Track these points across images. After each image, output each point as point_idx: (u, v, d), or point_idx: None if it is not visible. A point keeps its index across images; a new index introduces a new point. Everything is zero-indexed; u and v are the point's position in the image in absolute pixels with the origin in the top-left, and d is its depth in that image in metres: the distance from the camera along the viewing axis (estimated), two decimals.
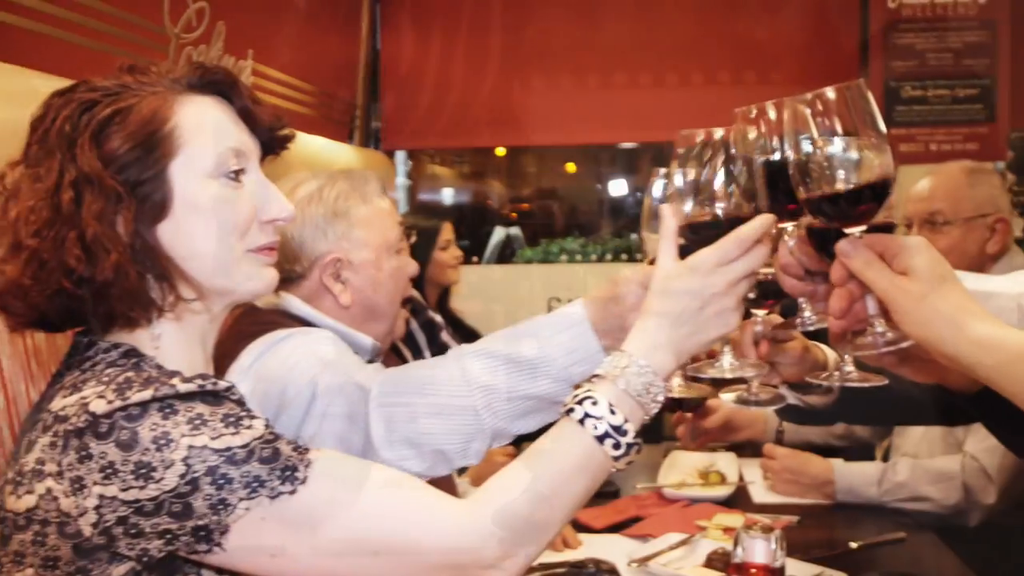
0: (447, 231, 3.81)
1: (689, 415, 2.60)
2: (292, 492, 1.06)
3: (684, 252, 1.23)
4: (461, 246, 3.98)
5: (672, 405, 1.91)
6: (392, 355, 2.65)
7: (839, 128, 1.11)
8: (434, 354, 2.83)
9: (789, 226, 1.26)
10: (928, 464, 2.47)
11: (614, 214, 7.08)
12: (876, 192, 1.12)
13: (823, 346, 1.64)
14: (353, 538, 1.08)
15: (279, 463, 1.07)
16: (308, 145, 3.79)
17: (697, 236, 1.24)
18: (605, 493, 2.51)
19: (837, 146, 1.11)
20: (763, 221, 1.20)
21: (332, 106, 4.60)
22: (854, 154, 1.11)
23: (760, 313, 1.45)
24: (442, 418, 1.39)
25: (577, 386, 1.18)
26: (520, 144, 6.08)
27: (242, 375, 1.61)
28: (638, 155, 7.34)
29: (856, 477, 2.46)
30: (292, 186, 1.80)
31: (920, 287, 1.07)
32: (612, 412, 1.14)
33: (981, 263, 2.60)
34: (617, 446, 1.14)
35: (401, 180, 6.35)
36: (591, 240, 5.83)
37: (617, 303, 1.36)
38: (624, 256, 5.53)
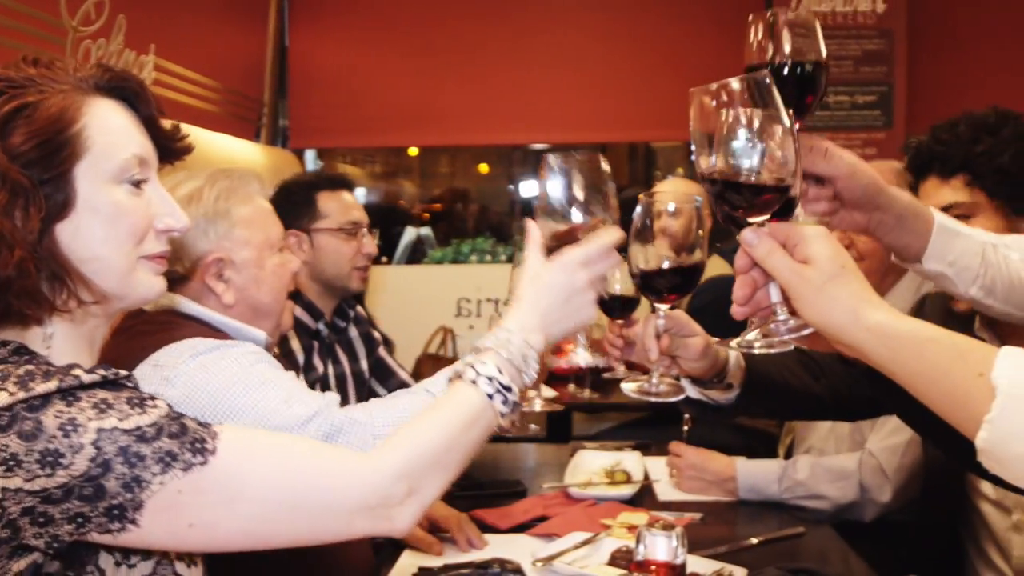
0: None
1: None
2: (204, 463, 1.09)
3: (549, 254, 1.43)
4: None
5: None
6: (329, 358, 2.64)
7: (743, 119, 1.12)
8: (371, 366, 2.82)
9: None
10: (827, 463, 2.52)
11: (526, 215, 7.10)
12: (778, 183, 1.13)
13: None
14: (269, 498, 1.13)
15: (188, 436, 1.10)
16: (213, 143, 3.72)
17: (559, 244, 1.43)
18: (512, 493, 2.52)
19: (740, 137, 1.13)
20: (617, 232, 1.42)
21: (238, 103, 4.53)
22: (756, 144, 1.13)
23: (663, 308, 1.58)
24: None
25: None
26: (433, 144, 6.07)
27: (158, 377, 1.62)
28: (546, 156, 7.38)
29: (758, 475, 2.50)
30: (172, 185, 1.77)
31: (819, 276, 1.09)
32: (500, 374, 1.30)
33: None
34: (505, 402, 1.30)
35: None
36: (502, 241, 5.84)
37: None
38: None
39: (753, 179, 1.12)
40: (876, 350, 1.08)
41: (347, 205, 2.72)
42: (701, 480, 2.53)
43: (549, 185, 1.44)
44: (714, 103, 1.13)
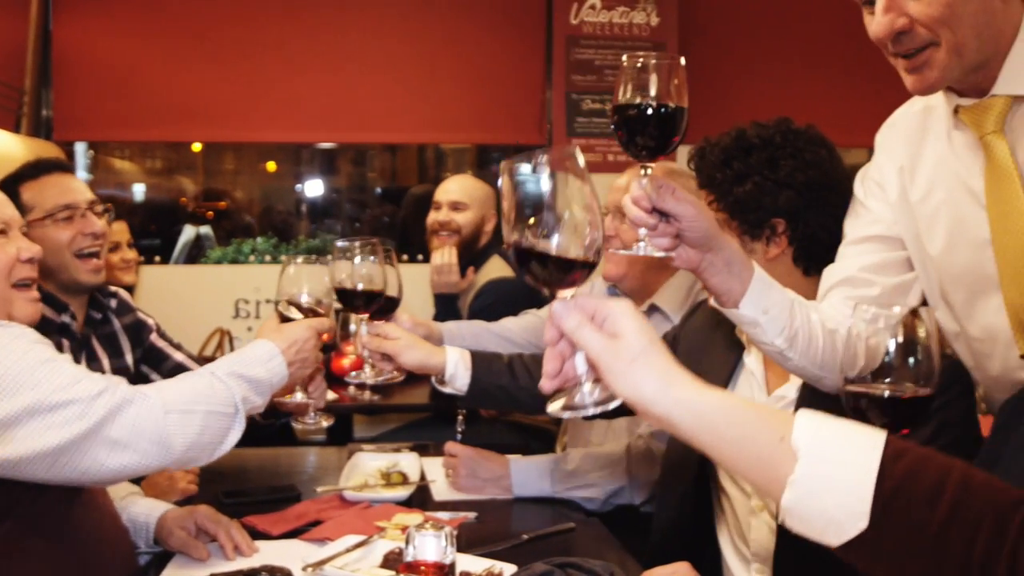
0: (116, 232, 3.60)
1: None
2: None
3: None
4: (149, 245, 3.80)
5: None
6: (84, 355, 2.48)
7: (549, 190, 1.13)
8: (141, 357, 2.66)
9: (647, 168, 1.51)
10: (597, 451, 2.61)
11: (311, 215, 7.00)
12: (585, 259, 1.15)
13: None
14: None
15: None
16: None
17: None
18: (285, 498, 2.47)
19: (546, 210, 1.13)
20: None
21: None
22: (562, 219, 1.14)
23: (363, 317, 2.27)
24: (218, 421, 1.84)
25: None
26: (216, 140, 5.85)
27: None
28: (336, 155, 7.30)
29: (530, 471, 2.55)
30: None
31: (629, 351, 1.11)
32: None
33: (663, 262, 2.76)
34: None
35: (81, 174, 5.95)
36: (285, 241, 5.72)
37: None
38: (327, 257, 5.46)
39: (560, 254, 1.13)
40: (684, 421, 1.10)
41: (56, 190, 2.50)
42: (476, 479, 2.55)
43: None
44: (519, 176, 1.13)
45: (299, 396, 2.26)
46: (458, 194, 4.09)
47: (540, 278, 1.16)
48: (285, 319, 2.22)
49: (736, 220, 2.12)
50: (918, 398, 1.39)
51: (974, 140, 1.69)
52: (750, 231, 2.11)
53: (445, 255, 4.01)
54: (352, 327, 4.10)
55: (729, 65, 5.24)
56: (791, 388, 2.04)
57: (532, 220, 1.13)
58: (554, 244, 1.13)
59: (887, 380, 1.39)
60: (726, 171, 2.12)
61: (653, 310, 2.77)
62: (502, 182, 1.15)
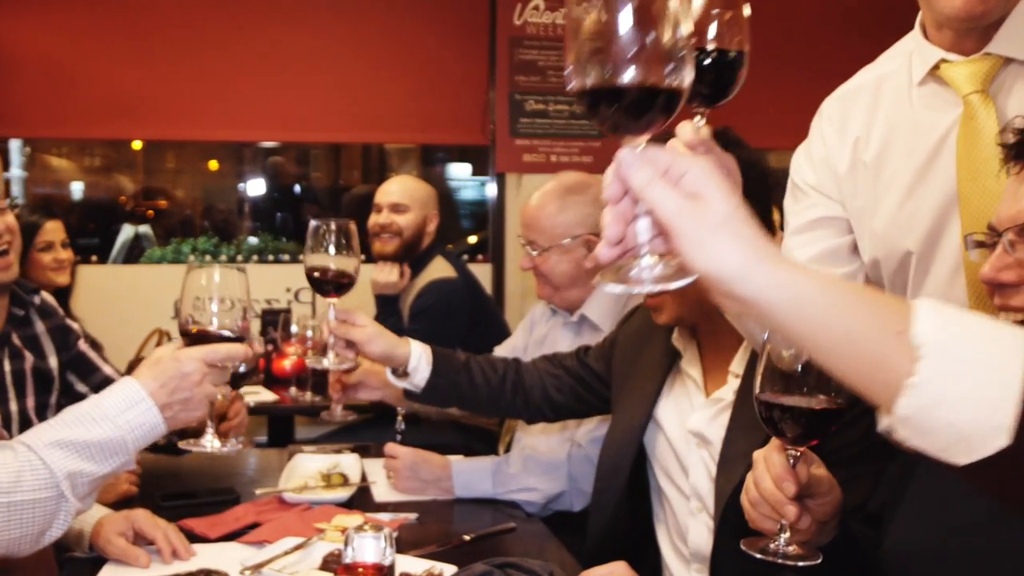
0: (49, 231, 3.54)
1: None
2: None
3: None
4: (86, 244, 3.74)
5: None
6: (6, 351, 2.41)
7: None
8: (67, 363, 2.58)
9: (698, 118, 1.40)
10: (538, 456, 2.62)
11: (254, 214, 6.93)
12: (667, 98, 0.95)
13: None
14: None
15: None
16: None
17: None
18: (223, 501, 2.44)
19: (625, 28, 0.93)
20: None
21: None
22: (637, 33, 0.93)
23: (332, 301, 2.19)
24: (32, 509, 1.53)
25: None
26: (157, 138, 5.76)
27: None
28: (279, 155, 7.23)
29: (472, 472, 2.56)
30: None
31: (716, 214, 0.91)
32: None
33: (585, 275, 2.78)
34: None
35: (17, 172, 5.85)
36: (226, 240, 5.67)
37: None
38: (271, 258, 5.42)
39: (634, 82, 0.93)
40: (778, 304, 0.92)
41: None
42: (417, 480, 2.55)
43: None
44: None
45: (207, 439, 1.87)
46: (399, 196, 4.08)
47: (610, 120, 0.96)
48: (195, 340, 1.77)
49: None
50: (829, 411, 1.35)
51: (947, 98, 1.65)
52: None
53: (390, 274, 4.00)
54: (294, 328, 4.08)
55: None
56: (728, 391, 2.07)
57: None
58: (625, 75, 0.93)
59: (803, 391, 1.35)
60: None
61: (583, 320, 2.81)
62: (567, 13, 0.99)
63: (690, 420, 2.12)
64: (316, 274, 2.17)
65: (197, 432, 1.86)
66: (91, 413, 1.60)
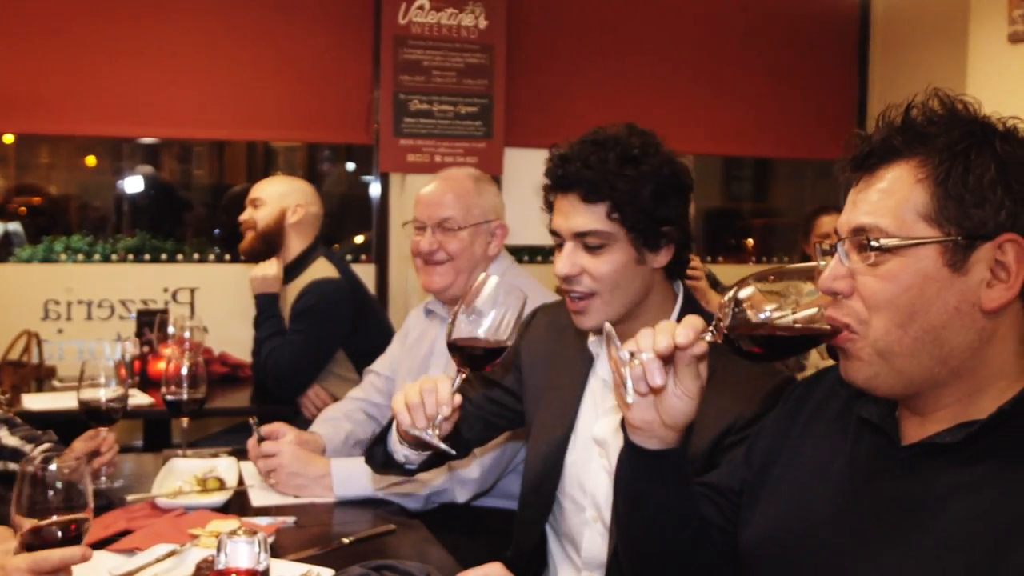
0: None
1: None
2: None
3: None
4: None
5: None
6: None
7: None
8: None
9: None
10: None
11: (133, 212, 6.75)
12: None
13: None
14: None
15: None
16: None
17: None
18: (94, 507, 2.37)
19: None
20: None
21: None
22: None
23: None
24: None
25: None
26: (30, 132, 5.55)
27: None
28: (160, 151, 7.06)
29: (352, 470, 2.52)
30: None
31: None
32: None
33: (483, 262, 2.81)
34: None
35: None
36: (102, 239, 5.50)
37: None
38: (148, 257, 5.27)
39: None
40: None
41: None
42: (297, 478, 2.51)
43: None
44: None
45: None
46: (256, 191, 4.10)
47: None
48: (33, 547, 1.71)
49: (633, 231, 1.97)
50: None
51: None
52: (647, 240, 1.99)
53: (268, 267, 3.96)
54: (171, 329, 3.99)
55: (558, 68, 5.37)
56: None
57: None
58: None
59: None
60: (622, 178, 1.94)
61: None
62: None
63: (595, 427, 2.09)
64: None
65: None
66: None
